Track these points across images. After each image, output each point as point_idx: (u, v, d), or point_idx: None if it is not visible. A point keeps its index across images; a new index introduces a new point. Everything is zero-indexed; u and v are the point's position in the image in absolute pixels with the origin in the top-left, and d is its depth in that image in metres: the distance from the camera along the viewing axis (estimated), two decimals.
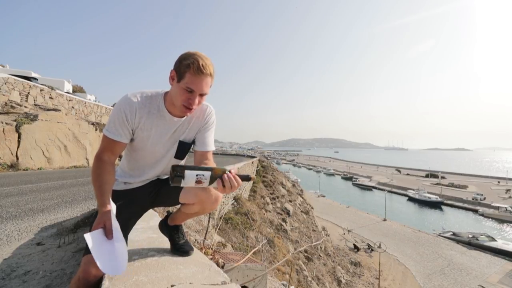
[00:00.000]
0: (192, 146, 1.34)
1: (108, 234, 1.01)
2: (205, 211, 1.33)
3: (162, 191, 1.38)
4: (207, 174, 0.98)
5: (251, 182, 19.67)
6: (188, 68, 1.06)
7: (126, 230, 1.26)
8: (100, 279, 1.15)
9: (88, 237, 0.96)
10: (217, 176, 1.00)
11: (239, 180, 1.01)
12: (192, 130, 1.30)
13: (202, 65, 1.05)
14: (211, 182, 1.00)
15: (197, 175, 0.97)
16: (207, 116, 1.30)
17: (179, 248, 1.41)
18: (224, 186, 0.99)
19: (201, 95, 1.12)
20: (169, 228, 1.45)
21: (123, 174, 1.35)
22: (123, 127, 1.14)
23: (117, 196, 1.25)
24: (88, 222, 2.98)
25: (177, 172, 0.96)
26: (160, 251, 1.44)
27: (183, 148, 1.31)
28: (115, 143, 1.14)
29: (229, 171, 1.00)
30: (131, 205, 1.29)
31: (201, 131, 1.30)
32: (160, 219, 1.96)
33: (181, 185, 1.00)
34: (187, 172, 0.96)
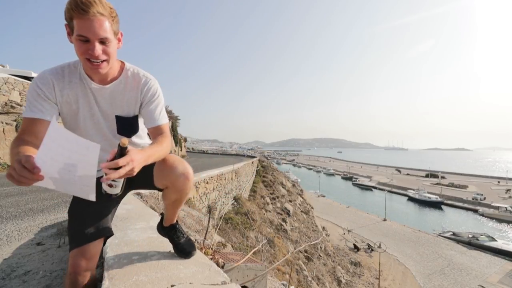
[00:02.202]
0: (137, 123, 1.22)
1: (33, 168, 0.72)
2: (183, 192, 1.22)
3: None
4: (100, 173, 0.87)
5: (251, 181, 19.56)
6: (69, 13, 0.88)
7: (105, 219, 1.19)
8: (96, 279, 1.14)
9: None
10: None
11: (116, 161, 0.77)
12: (130, 104, 1.15)
13: (81, 1, 0.85)
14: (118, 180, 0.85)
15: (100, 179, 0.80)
16: (144, 88, 1.13)
17: (181, 249, 1.40)
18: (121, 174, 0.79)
19: (102, 41, 0.92)
20: (165, 229, 1.44)
21: None
22: (41, 101, 0.99)
23: None
24: None
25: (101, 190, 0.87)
26: (160, 251, 1.44)
27: (124, 124, 1.17)
28: (35, 122, 0.97)
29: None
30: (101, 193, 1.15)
31: (144, 106, 1.16)
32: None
33: (113, 193, 0.89)
34: (100, 185, 0.85)
